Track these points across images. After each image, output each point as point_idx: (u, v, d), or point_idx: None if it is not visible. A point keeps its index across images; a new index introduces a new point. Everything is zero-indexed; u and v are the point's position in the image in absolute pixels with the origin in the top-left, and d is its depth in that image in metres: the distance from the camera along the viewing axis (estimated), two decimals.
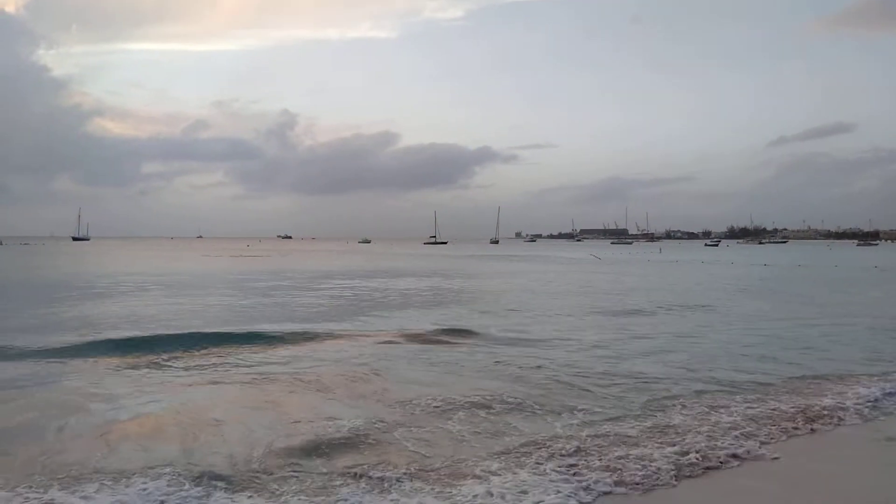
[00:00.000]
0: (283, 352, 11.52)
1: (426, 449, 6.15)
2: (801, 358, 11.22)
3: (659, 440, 6.42)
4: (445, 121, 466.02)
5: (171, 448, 6.13)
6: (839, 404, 7.86)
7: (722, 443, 6.33)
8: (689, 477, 5.56)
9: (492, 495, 5.01)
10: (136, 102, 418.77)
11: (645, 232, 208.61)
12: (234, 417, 7.28)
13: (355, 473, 5.46)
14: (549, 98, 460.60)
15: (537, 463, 5.74)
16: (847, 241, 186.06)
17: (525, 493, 5.07)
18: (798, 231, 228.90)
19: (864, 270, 44.07)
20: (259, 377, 9.44)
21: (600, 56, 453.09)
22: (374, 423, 6.89)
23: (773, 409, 7.61)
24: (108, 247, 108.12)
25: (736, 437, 6.53)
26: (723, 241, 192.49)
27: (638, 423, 7.03)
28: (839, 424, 7.16)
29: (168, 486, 5.08)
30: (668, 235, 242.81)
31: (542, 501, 4.93)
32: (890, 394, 8.42)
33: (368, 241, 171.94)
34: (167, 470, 5.41)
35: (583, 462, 5.76)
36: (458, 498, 4.97)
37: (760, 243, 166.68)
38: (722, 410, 7.56)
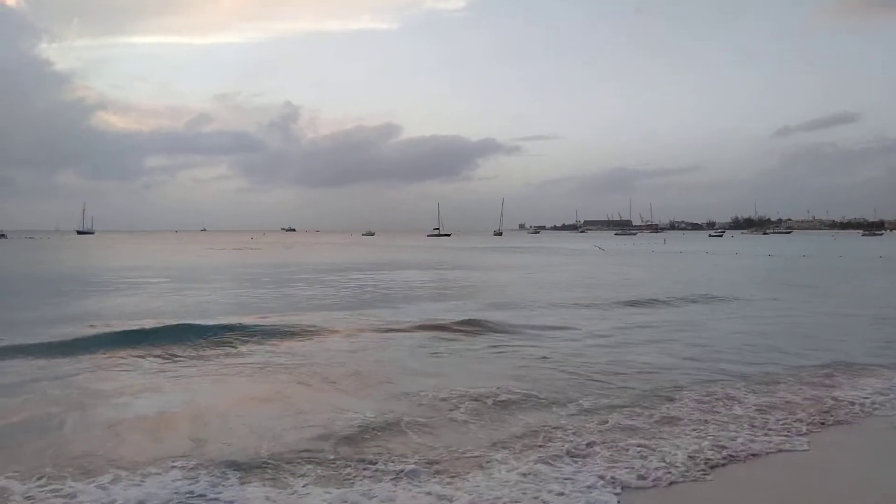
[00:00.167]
0: (290, 343, 11.57)
1: (433, 440, 6.17)
2: (808, 348, 11.20)
3: (670, 431, 6.40)
4: (448, 112, 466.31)
5: (183, 439, 6.16)
6: (853, 395, 7.80)
7: (736, 435, 6.27)
8: (713, 468, 5.47)
9: (503, 484, 5.02)
10: (139, 96, 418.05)
11: (649, 223, 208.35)
12: (242, 409, 7.32)
13: (365, 462, 5.49)
14: (551, 89, 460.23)
15: (545, 453, 5.71)
16: (852, 231, 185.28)
17: (532, 483, 5.06)
18: (803, 221, 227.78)
19: (869, 260, 43.97)
20: (267, 369, 9.50)
21: (603, 46, 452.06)
22: (382, 414, 6.92)
23: (786, 401, 7.57)
24: (112, 240, 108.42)
25: (751, 428, 6.49)
26: (727, 231, 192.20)
27: (646, 413, 7.02)
28: (856, 416, 7.09)
29: (183, 476, 5.11)
30: (672, 226, 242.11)
31: (551, 492, 4.92)
32: None
33: (372, 234, 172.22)
34: (179, 462, 5.43)
35: (593, 452, 5.76)
36: (466, 488, 4.99)
37: (765, 234, 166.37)
38: (733, 402, 7.53)
